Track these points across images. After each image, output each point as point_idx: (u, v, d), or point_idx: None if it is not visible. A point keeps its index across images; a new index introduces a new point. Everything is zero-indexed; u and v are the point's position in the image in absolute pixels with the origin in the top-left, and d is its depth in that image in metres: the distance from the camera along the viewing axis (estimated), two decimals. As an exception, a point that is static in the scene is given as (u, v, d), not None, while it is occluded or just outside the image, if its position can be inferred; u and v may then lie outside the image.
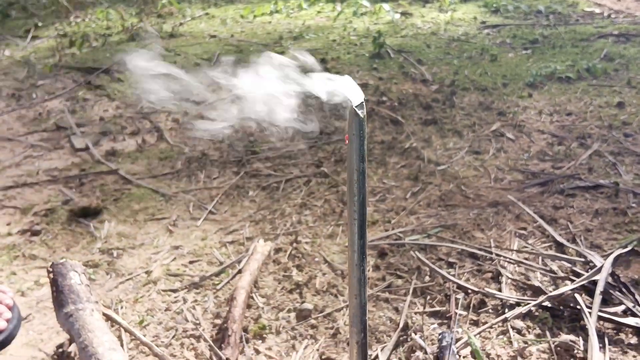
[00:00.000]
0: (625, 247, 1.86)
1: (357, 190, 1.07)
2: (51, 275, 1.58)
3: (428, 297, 1.79)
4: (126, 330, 1.59)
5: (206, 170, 2.55)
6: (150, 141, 2.85)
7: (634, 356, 1.52)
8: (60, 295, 1.54)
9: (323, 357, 1.61)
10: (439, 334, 1.62)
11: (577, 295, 1.67)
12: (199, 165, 2.60)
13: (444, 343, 1.53)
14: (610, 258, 1.74)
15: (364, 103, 0.98)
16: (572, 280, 1.75)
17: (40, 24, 4.93)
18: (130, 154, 2.72)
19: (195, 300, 1.84)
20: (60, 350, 1.66)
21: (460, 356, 1.56)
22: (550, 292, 1.71)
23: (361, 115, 0.96)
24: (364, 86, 3.37)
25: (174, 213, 2.26)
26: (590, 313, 1.59)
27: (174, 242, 2.10)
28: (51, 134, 2.93)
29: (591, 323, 1.56)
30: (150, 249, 2.07)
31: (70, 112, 3.12)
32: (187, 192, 2.40)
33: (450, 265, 1.91)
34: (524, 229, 2.05)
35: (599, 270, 1.72)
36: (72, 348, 1.67)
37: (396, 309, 1.76)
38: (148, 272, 1.96)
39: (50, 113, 3.16)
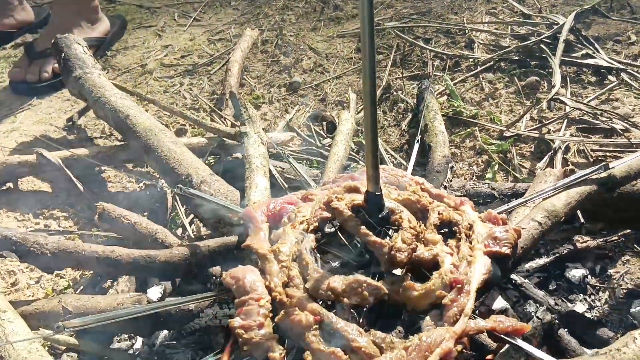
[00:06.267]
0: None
1: None
2: (57, 47, 1.68)
3: (407, 66, 1.94)
4: (132, 93, 1.70)
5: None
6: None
7: (593, 89, 1.70)
8: (67, 63, 1.65)
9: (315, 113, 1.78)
10: (418, 82, 1.78)
11: (542, 46, 1.83)
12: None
13: (423, 87, 1.68)
14: (572, 14, 1.89)
15: None
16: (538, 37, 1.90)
17: None
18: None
19: (191, 84, 1.96)
20: (70, 122, 1.79)
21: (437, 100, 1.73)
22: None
23: None
24: None
25: (160, 21, 2.34)
26: (554, 56, 1.76)
27: (164, 43, 2.19)
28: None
29: (555, 62, 1.72)
30: (142, 49, 2.17)
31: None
32: (170, 6, 2.46)
33: (427, 41, 2.04)
34: (495, 8, 2.17)
35: (562, 26, 1.86)
36: (82, 120, 1.81)
37: (379, 78, 1.91)
38: (143, 66, 2.06)
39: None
